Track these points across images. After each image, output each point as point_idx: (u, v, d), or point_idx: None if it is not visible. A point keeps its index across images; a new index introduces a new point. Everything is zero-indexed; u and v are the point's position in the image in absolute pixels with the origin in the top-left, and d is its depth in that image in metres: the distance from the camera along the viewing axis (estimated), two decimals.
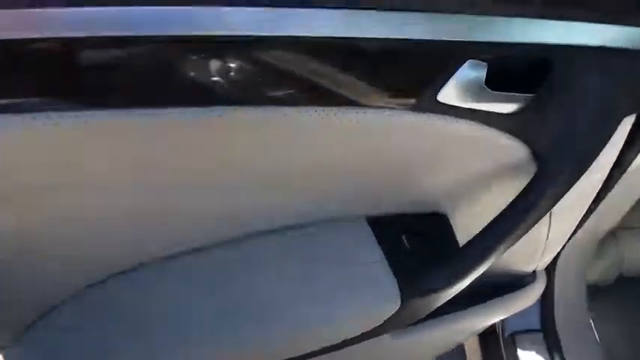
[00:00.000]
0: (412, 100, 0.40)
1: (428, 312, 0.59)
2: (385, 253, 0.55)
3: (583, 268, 1.03)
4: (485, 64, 0.39)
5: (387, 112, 0.40)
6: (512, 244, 0.52)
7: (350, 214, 0.56)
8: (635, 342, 1.11)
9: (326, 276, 0.54)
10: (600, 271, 1.10)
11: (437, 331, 0.67)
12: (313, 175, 0.47)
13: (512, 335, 1.02)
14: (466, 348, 1.16)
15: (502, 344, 1.05)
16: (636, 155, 0.61)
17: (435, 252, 0.57)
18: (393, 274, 0.53)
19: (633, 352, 1.09)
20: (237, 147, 0.41)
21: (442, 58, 0.39)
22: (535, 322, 1.00)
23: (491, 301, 0.73)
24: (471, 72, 0.39)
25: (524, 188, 0.49)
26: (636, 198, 0.83)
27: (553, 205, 0.50)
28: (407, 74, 0.39)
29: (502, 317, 0.80)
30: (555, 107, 0.45)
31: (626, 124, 0.54)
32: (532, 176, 0.49)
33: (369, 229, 0.56)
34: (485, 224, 0.51)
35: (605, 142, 0.48)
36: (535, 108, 0.44)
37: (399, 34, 0.36)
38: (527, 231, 0.51)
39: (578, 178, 0.49)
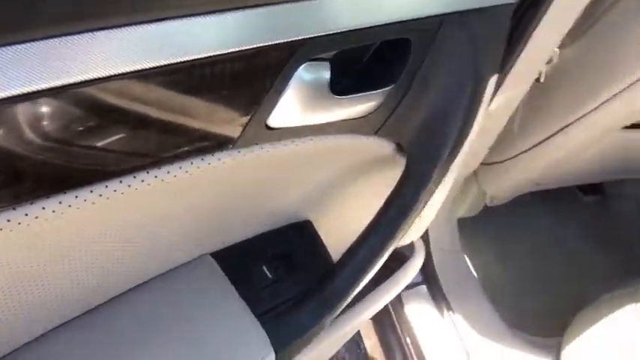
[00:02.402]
0: (234, 137, 0.28)
1: (309, 344, 0.50)
2: (246, 298, 0.44)
3: (453, 213, 1.03)
4: (325, 64, 0.28)
5: (209, 158, 0.28)
6: (388, 253, 0.44)
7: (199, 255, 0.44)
8: (507, 264, 1.16)
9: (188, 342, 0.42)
10: (466, 207, 1.11)
11: (335, 332, 0.60)
12: (155, 231, 0.35)
13: (398, 295, 1.00)
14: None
15: (389, 305, 1.03)
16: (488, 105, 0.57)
17: (303, 274, 0.48)
18: (260, 323, 0.43)
19: (508, 275, 1.14)
20: None
21: (261, 74, 0.27)
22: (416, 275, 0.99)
23: (379, 287, 0.68)
24: (308, 79, 0.28)
25: (394, 192, 0.41)
26: (494, 139, 0.82)
27: (429, 198, 0.43)
28: (219, 108, 0.27)
29: (394, 295, 0.76)
30: (420, 91, 0.36)
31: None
32: (401, 169, 0.41)
33: (223, 275, 0.44)
34: (357, 226, 0.43)
35: (473, 118, 0.40)
36: (394, 100, 0.35)
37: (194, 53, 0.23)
38: (405, 231, 0.44)
39: (451, 162, 0.41)
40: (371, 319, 1.05)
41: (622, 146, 0.92)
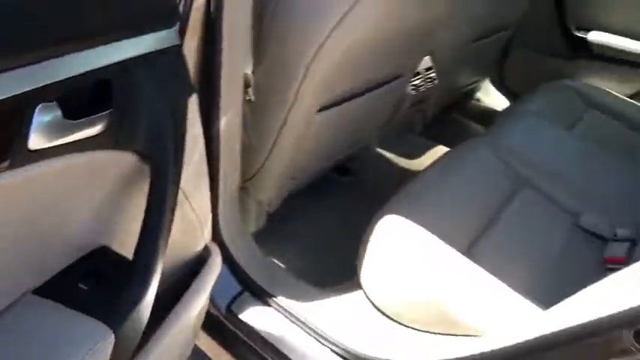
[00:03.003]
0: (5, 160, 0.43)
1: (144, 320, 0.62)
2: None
3: (246, 230, 1.23)
4: (53, 104, 0.45)
5: None
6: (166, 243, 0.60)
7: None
8: (305, 256, 1.40)
9: None
10: (253, 221, 1.33)
11: (162, 340, 0.72)
12: None
13: (229, 309, 1.14)
14: (209, 353, 1.24)
15: (227, 323, 1.16)
16: None
17: (114, 280, 0.61)
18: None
19: (307, 265, 1.38)
20: None
21: (14, 114, 0.43)
22: (235, 284, 1.15)
23: (184, 295, 0.81)
24: (45, 114, 0.44)
25: (148, 196, 0.58)
26: (239, 154, 1.05)
27: (177, 191, 0.61)
28: None
29: (204, 300, 0.89)
30: (133, 114, 0.55)
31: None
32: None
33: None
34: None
35: (182, 123, 0.61)
36: (118, 120, 0.53)
37: None
38: (170, 224, 0.61)
39: (181, 158, 0.61)
40: (214, 339, 1.18)
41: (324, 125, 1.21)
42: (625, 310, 0.58)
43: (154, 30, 0.54)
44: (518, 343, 0.71)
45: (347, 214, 1.51)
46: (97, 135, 0.50)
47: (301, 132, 1.11)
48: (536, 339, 0.68)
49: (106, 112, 0.51)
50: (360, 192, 1.66)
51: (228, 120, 0.93)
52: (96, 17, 0.47)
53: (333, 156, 1.42)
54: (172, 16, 0.57)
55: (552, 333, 0.65)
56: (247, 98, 1.05)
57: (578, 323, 0.63)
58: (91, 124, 0.49)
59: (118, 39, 0.49)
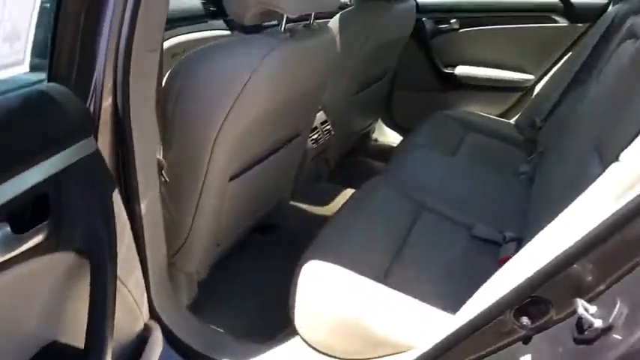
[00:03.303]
0: None
1: None
2: None
3: (181, 303, 1.27)
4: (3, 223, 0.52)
5: None
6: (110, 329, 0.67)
7: None
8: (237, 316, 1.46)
9: None
10: (186, 293, 1.38)
11: None
12: None
13: None
14: None
15: None
16: None
17: None
18: None
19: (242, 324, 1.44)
20: None
21: None
22: (177, 357, 1.19)
23: None
24: None
25: (90, 289, 0.65)
26: (162, 233, 1.12)
27: (115, 281, 0.69)
28: None
29: None
30: (68, 218, 0.62)
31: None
32: None
33: None
34: None
35: (112, 217, 0.69)
36: (57, 226, 0.60)
37: None
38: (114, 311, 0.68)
39: (115, 250, 0.69)
40: None
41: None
42: (504, 295, 0.72)
43: (74, 143, 0.63)
44: (435, 345, 0.83)
45: (273, 268, 1.60)
46: (41, 242, 0.57)
47: (218, 202, 1.21)
48: (446, 338, 0.81)
49: (46, 221, 0.58)
50: (282, 245, 1.76)
51: (149, 203, 1.00)
52: (23, 149, 0.55)
53: (251, 217, 1.52)
54: (87, 127, 0.66)
55: (455, 330, 0.78)
56: (163, 180, 1.13)
57: (473, 317, 0.77)
58: (36, 233, 0.57)
59: (45, 158, 0.58)
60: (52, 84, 0.66)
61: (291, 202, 1.98)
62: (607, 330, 0.57)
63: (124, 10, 0.74)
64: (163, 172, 1.13)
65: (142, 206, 0.97)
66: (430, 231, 1.38)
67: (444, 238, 1.37)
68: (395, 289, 1.10)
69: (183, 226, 1.23)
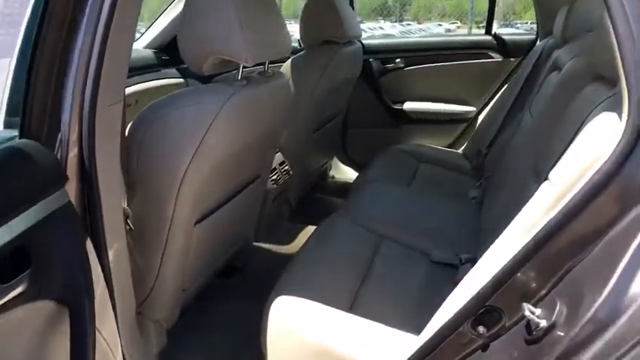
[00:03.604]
0: None
1: None
2: None
3: (150, 353, 1.27)
4: None
5: None
6: None
7: None
8: None
9: None
10: (155, 343, 1.37)
11: None
12: None
13: None
14: None
15: None
16: None
17: None
18: None
19: None
20: None
21: None
22: None
23: None
24: None
25: (70, 337, 0.67)
26: (130, 284, 1.13)
27: (94, 329, 0.71)
28: None
29: None
30: (47, 268, 0.65)
31: None
32: None
33: None
34: None
35: (87, 265, 0.72)
36: (37, 275, 0.63)
37: None
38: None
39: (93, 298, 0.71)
40: None
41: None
42: (460, 308, 0.78)
43: (50, 195, 0.66)
44: None
45: (242, 310, 1.61)
46: (23, 291, 0.59)
47: (184, 247, 1.23)
48: (411, 357, 0.86)
49: (28, 270, 0.61)
50: (248, 287, 1.78)
51: (116, 252, 1.02)
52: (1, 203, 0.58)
53: (216, 260, 1.54)
54: (60, 179, 0.69)
55: (419, 348, 0.83)
56: (128, 228, 1.15)
57: (434, 333, 0.82)
58: (19, 282, 0.59)
59: (23, 211, 0.61)
60: (24, 140, 0.69)
61: (255, 244, 2.01)
62: (551, 328, 0.63)
63: (88, 64, 0.78)
64: (128, 220, 1.15)
65: (110, 256, 0.99)
66: (392, 260, 1.44)
67: (405, 265, 1.43)
68: (362, 317, 1.15)
69: (150, 274, 1.25)
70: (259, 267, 1.92)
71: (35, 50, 0.72)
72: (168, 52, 2.58)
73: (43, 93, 0.72)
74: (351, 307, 1.21)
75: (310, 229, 2.14)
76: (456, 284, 1.26)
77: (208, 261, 1.47)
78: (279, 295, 1.23)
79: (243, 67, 1.18)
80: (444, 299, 0.96)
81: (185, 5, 1.11)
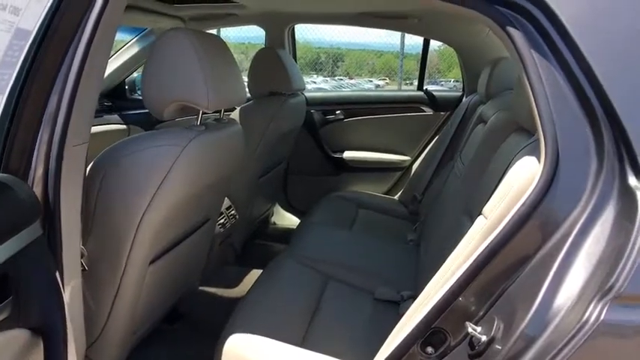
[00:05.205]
0: None
1: None
2: None
3: None
4: None
5: None
6: None
7: None
8: None
9: None
10: None
11: None
12: None
13: None
14: None
15: None
16: None
17: None
18: None
19: None
20: None
21: None
22: None
23: None
24: None
25: None
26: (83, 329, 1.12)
27: None
28: None
29: None
30: (24, 296, 0.67)
31: None
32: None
33: None
34: None
35: (60, 296, 0.73)
36: (17, 302, 0.64)
37: None
38: None
39: (66, 331, 0.73)
40: None
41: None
42: (409, 332, 0.86)
43: (28, 226, 0.68)
44: None
45: (190, 356, 1.61)
46: (5, 318, 0.61)
47: (137, 289, 1.24)
48: None
49: (9, 298, 0.62)
50: (194, 331, 1.77)
51: (72, 290, 1.02)
52: None
53: (166, 302, 1.54)
54: (36, 213, 0.72)
55: None
56: (81, 269, 1.15)
57: (386, 357, 0.89)
58: (3, 309, 0.60)
59: (5, 240, 0.63)
60: (5, 175, 0.72)
61: (200, 288, 2.01)
62: (491, 342, 0.73)
63: (58, 108, 0.83)
64: (82, 260, 1.15)
65: (66, 295, 0.99)
66: (338, 299, 1.51)
67: (351, 303, 1.50)
68: (314, 350, 1.19)
69: (101, 316, 1.24)
70: (205, 312, 1.92)
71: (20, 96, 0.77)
72: (111, 98, 2.61)
73: (22, 133, 0.76)
74: (303, 343, 1.26)
75: (255, 272, 2.17)
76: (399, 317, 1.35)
77: (159, 303, 1.47)
78: (229, 335, 1.25)
79: (202, 114, 1.25)
80: (389, 333, 1.03)
81: (150, 55, 1.18)
